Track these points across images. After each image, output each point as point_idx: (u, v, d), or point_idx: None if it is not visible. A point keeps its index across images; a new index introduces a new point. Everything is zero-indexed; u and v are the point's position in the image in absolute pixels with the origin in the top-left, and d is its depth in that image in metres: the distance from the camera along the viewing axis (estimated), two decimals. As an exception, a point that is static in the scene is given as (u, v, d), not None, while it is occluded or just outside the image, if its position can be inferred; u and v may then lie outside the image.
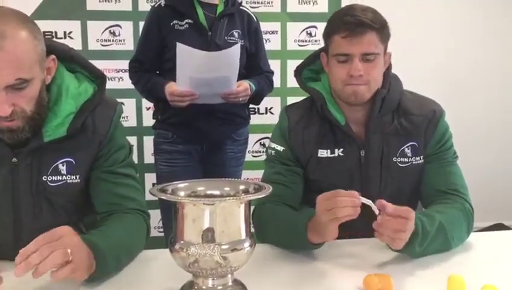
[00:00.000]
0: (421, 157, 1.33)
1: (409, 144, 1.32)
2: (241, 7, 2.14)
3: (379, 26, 1.24)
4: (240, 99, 1.99)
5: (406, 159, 1.32)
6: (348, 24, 1.22)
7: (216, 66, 1.89)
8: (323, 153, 1.33)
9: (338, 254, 1.18)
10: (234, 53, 1.90)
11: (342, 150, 1.32)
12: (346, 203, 1.01)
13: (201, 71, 1.87)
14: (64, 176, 1.14)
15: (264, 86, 2.15)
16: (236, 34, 2.07)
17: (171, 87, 1.94)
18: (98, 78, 1.17)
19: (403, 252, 1.10)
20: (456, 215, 1.21)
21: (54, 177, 1.13)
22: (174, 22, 2.01)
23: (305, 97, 1.43)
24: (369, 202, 1.03)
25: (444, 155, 1.34)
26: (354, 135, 1.32)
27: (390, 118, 1.33)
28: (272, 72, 2.25)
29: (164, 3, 2.05)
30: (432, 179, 1.32)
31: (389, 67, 1.35)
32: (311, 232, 1.10)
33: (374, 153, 1.31)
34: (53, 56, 1.10)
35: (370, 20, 1.22)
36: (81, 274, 0.94)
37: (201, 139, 2.10)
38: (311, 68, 1.41)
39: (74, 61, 1.17)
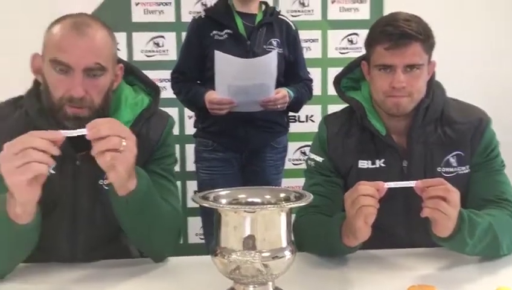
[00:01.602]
0: (467, 166, 1.29)
1: (454, 153, 1.29)
2: (279, 16, 2.16)
3: (424, 37, 1.21)
4: (279, 106, 2.01)
5: (451, 169, 1.29)
6: (390, 35, 1.19)
7: (253, 73, 1.91)
8: (363, 164, 1.31)
9: (381, 263, 1.17)
10: (271, 60, 1.92)
11: (383, 160, 1.30)
12: (367, 191, 1.01)
13: (239, 79, 1.90)
14: None
15: (303, 93, 2.15)
16: (274, 43, 2.09)
17: (210, 96, 1.97)
18: (153, 90, 1.25)
19: (454, 243, 1.07)
20: (506, 220, 1.18)
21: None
22: (214, 32, 2.06)
23: (345, 106, 1.42)
24: (399, 184, 1.04)
25: (492, 164, 1.29)
26: (396, 145, 1.29)
27: (433, 127, 1.30)
28: (311, 80, 2.25)
29: (204, 15, 2.10)
30: (479, 189, 1.28)
31: (433, 75, 1.32)
32: (345, 234, 1.09)
33: (417, 163, 1.29)
34: (121, 65, 1.19)
35: (414, 30, 1.19)
36: (118, 173, 0.97)
37: (241, 147, 2.12)
38: (350, 77, 1.39)
39: (133, 74, 1.25)
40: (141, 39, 2.82)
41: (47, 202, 1.10)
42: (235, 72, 1.90)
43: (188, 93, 2.09)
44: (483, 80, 3.05)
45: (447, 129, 1.30)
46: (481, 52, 3.06)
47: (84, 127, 0.95)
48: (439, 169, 1.28)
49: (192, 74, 2.12)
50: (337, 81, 1.39)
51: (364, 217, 1.01)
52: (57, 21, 1.10)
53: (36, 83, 1.17)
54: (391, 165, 1.30)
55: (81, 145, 1.12)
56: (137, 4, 2.81)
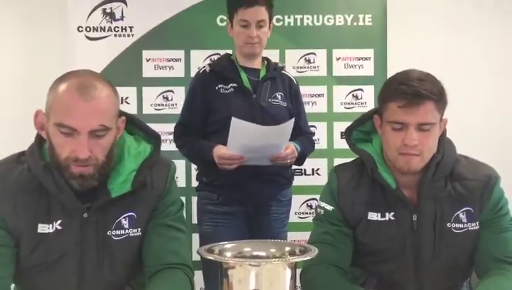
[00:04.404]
0: (477, 223, 1.29)
1: (464, 209, 1.29)
2: (282, 72, 2.22)
3: (437, 97, 1.23)
4: (288, 161, 2.02)
5: (461, 225, 1.28)
6: (404, 94, 1.21)
7: (269, 138, 1.93)
8: (373, 216, 1.31)
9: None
10: (288, 127, 1.95)
11: (393, 213, 1.30)
12: None
13: (254, 140, 1.91)
14: (126, 230, 1.19)
15: (307, 147, 2.18)
16: (279, 96, 2.13)
17: (219, 150, 1.98)
18: (153, 138, 1.27)
19: None
20: None
21: (118, 232, 1.18)
22: (220, 86, 2.09)
23: (354, 158, 1.42)
24: None
25: (500, 221, 1.29)
26: (406, 199, 1.29)
27: (443, 183, 1.30)
28: (313, 133, 2.31)
29: (209, 69, 2.15)
30: (487, 246, 1.27)
31: (444, 132, 1.34)
32: None
33: (426, 218, 1.28)
34: (124, 118, 1.21)
35: (428, 90, 1.21)
36: None
37: (247, 200, 2.11)
38: (361, 129, 1.41)
39: (134, 124, 1.27)
40: (151, 93, 2.89)
41: (55, 255, 1.11)
42: (250, 136, 1.91)
43: (193, 147, 2.10)
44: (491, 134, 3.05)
45: (456, 185, 1.30)
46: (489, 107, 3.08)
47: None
48: (448, 225, 1.28)
49: (196, 127, 2.12)
50: (348, 132, 1.40)
51: None
52: (62, 80, 1.12)
53: (37, 138, 1.19)
54: (401, 219, 1.29)
55: (88, 197, 1.13)
56: (148, 60, 2.90)
